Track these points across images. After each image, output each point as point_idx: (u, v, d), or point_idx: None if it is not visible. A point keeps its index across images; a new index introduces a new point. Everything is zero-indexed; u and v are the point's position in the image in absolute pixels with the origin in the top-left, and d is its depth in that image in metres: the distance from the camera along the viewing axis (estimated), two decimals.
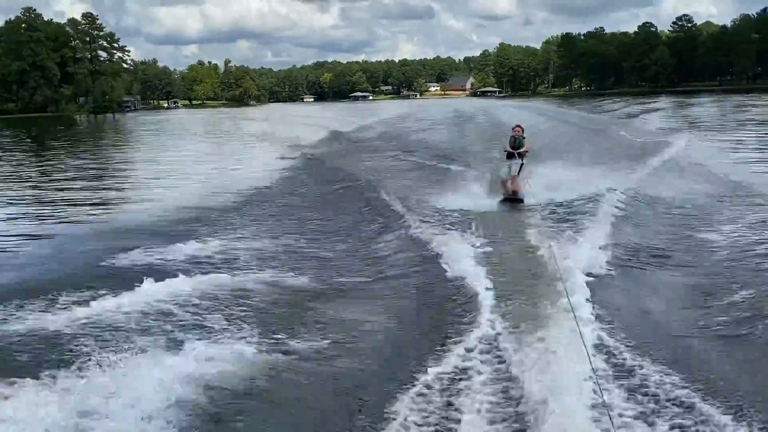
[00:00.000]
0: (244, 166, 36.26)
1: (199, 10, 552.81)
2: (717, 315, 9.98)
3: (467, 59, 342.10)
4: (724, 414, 6.75)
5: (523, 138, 19.96)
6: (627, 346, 8.45)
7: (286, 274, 12.44)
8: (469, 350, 8.46)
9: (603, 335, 8.77)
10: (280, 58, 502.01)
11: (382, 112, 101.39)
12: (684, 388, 7.31)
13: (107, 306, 10.09)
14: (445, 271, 12.23)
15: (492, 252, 13.31)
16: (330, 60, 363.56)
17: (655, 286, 11.71)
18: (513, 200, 19.21)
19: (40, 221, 21.10)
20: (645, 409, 6.93)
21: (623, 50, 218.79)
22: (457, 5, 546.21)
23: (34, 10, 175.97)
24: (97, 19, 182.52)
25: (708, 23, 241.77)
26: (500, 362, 8.11)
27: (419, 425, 6.85)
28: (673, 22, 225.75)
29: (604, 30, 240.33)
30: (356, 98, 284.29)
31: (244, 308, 10.41)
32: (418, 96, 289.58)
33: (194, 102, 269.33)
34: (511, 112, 74.04)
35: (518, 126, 20.57)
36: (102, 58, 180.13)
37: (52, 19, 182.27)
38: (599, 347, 8.41)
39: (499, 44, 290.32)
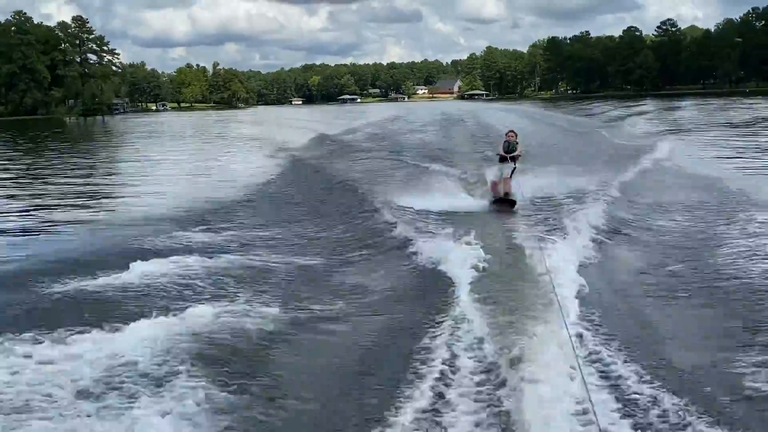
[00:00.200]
0: (234, 169, 36.12)
1: (186, 13, 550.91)
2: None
3: (455, 62, 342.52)
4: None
5: (517, 143, 20.26)
6: (611, 346, 8.62)
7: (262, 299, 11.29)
8: (450, 357, 8.49)
9: (587, 334, 8.96)
10: (268, 61, 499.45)
11: (370, 114, 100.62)
12: (663, 388, 7.44)
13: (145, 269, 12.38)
14: (432, 272, 12.42)
15: (479, 252, 13.17)
16: (318, 63, 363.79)
17: (641, 284, 12.00)
18: (505, 202, 19.37)
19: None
20: (631, 410, 7.06)
21: (608, 54, 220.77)
22: (444, 8, 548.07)
23: (25, 13, 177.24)
24: (87, 22, 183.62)
25: (693, 27, 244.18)
26: (484, 364, 8.22)
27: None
28: (658, 27, 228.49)
29: (589, 34, 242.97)
30: (344, 101, 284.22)
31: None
32: (406, 99, 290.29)
33: (182, 105, 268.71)
34: (499, 115, 74.49)
35: (512, 131, 21.03)
36: (92, 61, 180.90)
37: (42, 23, 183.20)
38: (584, 345, 8.61)
39: (487, 47, 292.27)
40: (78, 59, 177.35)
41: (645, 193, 21.67)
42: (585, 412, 6.76)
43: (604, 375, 7.84)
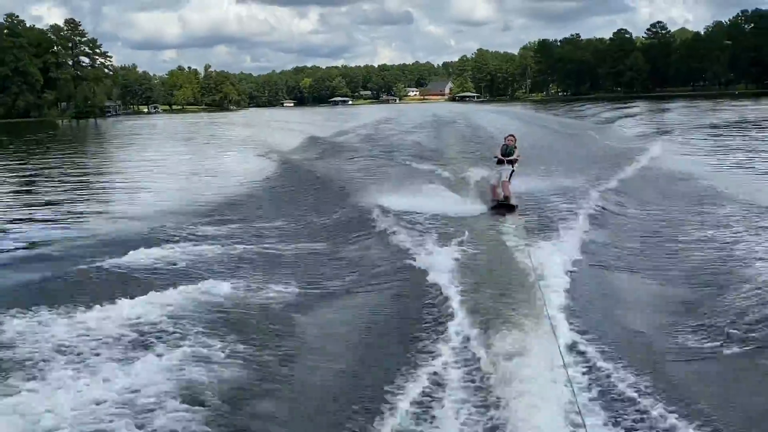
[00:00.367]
0: (225, 172, 36.11)
1: (177, 15, 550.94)
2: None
3: (446, 64, 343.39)
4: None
5: (515, 147, 20.14)
6: (602, 350, 8.68)
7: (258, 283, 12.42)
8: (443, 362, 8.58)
9: (577, 338, 9.03)
10: (260, 63, 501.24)
11: (362, 116, 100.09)
12: (653, 393, 7.55)
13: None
14: (423, 275, 12.34)
15: (471, 255, 13.37)
16: (309, 65, 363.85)
17: (630, 288, 12.20)
18: (504, 206, 19.12)
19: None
20: (618, 415, 7.17)
21: (599, 56, 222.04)
22: (435, 11, 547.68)
23: (17, 16, 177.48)
24: (80, 25, 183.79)
25: (683, 30, 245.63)
26: (474, 368, 8.29)
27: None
28: (648, 29, 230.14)
29: (580, 36, 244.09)
30: (336, 103, 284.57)
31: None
32: (397, 101, 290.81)
33: (174, 107, 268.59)
34: (490, 117, 74.81)
35: (511, 135, 20.85)
36: (84, 64, 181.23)
37: (34, 25, 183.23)
38: (573, 350, 8.68)
39: (478, 50, 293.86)
40: (70, 62, 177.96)
41: (632, 194, 22.02)
42: (573, 412, 6.95)
43: (589, 373, 8.05)
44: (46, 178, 37.18)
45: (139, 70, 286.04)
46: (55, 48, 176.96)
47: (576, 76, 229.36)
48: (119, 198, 28.37)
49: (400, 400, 7.55)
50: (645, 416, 7.10)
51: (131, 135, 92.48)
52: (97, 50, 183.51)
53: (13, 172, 40.78)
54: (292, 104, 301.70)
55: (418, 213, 18.34)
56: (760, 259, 12.77)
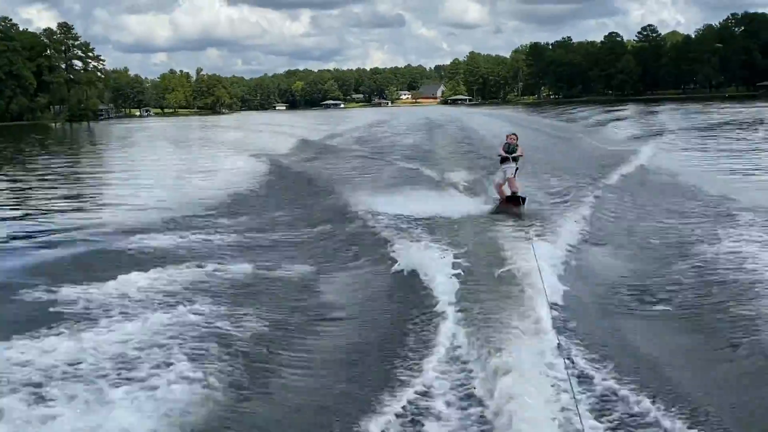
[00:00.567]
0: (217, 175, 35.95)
1: (168, 18, 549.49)
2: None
3: (438, 67, 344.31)
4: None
5: (517, 146, 20.61)
6: (596, 353, 8.76)
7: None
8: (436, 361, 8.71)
9: (574, 339, 9.14)
10: (251, 66, 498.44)
11: (355, 119, 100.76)
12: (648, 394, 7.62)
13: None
14: (420, 277, 12.48)
15: (467, 256, 13.46)
16: (301, 68, 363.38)
17: (629, 288, 12.25)
18: (514, 200, 19.68)
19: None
20: (618, 417, 7.24)
21: (590, 59, 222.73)
22: (427, 14, 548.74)
23: (10, 19, 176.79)
24: (72, 28, 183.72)
25: (674, 32, 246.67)
26: (467, 371, 8.39)
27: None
28: (639, 32, 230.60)
29: (571, 39, 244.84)
30: (328, 106, 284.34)
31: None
32: (389, 104, 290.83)
33: (166, 110, 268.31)
34: (482, 120, 75.45)
35: (513, 134, 21.50)
36: (77, 68, 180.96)
37: (26, 29, 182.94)
38: (571, 353, 8.68)
39: (470, 53, 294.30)
40: (63, 65, 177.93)
41: (624, 196, 22.38)
42: (570, 414, 7.03)
43: (583, 376, 8.14)
44: (60, 176, 39.44)
45: (131, 73, 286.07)
46: (48, 51, 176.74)
47: (567, 79, 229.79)
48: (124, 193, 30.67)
49: (396, 401, 7.69)
50: (641, 419, 7.18)
51: (126, 138, 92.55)
52: (90, 54, 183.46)
53: (30, 172, 42.63)
54: (284, 107, 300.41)
55: (417, 213, 18.57)
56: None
